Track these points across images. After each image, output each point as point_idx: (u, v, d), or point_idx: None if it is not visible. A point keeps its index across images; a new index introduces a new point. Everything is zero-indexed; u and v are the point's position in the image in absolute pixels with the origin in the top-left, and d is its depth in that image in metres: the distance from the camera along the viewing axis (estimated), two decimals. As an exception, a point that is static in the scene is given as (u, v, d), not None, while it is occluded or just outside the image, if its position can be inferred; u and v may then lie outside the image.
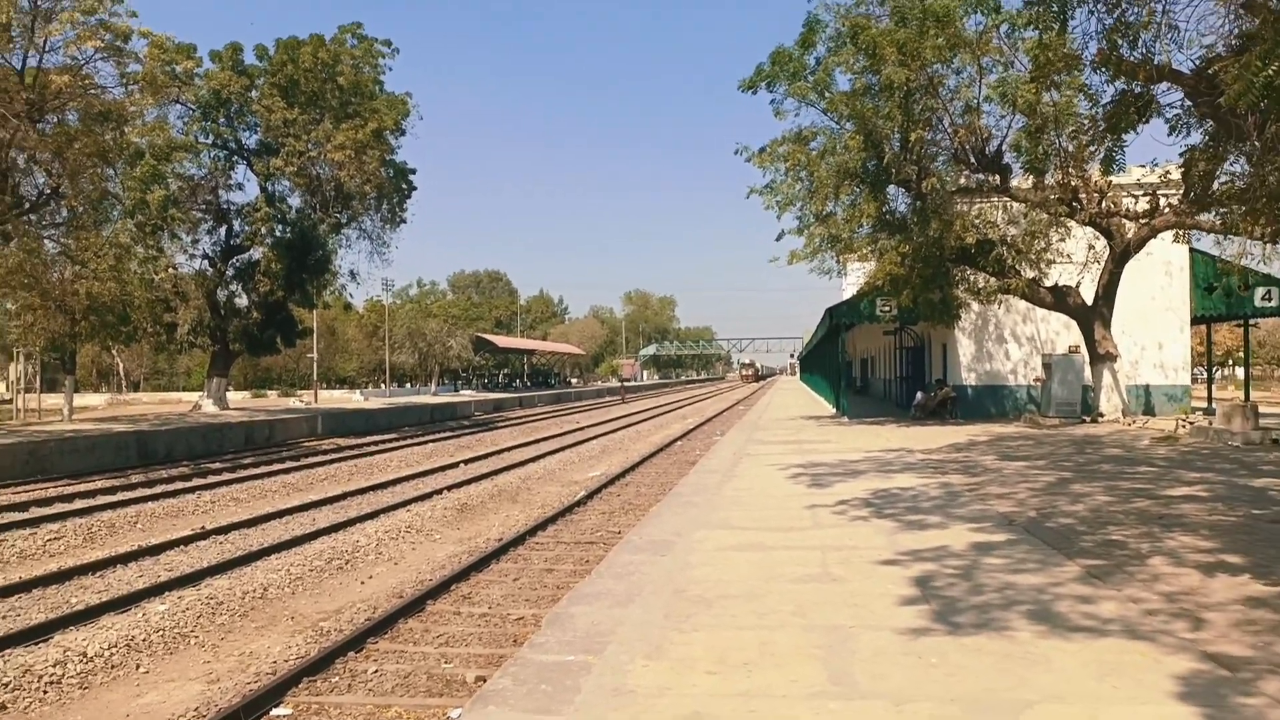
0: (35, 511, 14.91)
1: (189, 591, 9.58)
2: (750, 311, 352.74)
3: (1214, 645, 4.76)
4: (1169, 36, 10.48)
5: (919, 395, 26.29)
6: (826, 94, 20.99)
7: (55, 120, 22.71)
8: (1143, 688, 4.18)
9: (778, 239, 22.74)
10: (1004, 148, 20.16)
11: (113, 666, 7.47)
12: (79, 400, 41.80)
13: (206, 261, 35.12)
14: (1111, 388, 21.38)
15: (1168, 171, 17.88)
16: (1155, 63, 10.86)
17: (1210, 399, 29.00)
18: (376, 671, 7.05)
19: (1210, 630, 5.02)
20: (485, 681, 5.13)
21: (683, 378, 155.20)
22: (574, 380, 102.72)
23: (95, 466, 21.23)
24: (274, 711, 6.30)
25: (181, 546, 12.17)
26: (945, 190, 20.20)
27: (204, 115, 33.40)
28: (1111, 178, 18.56)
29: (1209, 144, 11.87)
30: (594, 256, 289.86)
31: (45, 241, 24.58)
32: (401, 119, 35.78)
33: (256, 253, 34.87)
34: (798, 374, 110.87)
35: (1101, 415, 21.19)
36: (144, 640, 8.01)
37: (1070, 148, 18.47)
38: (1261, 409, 18.18)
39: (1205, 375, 40.22)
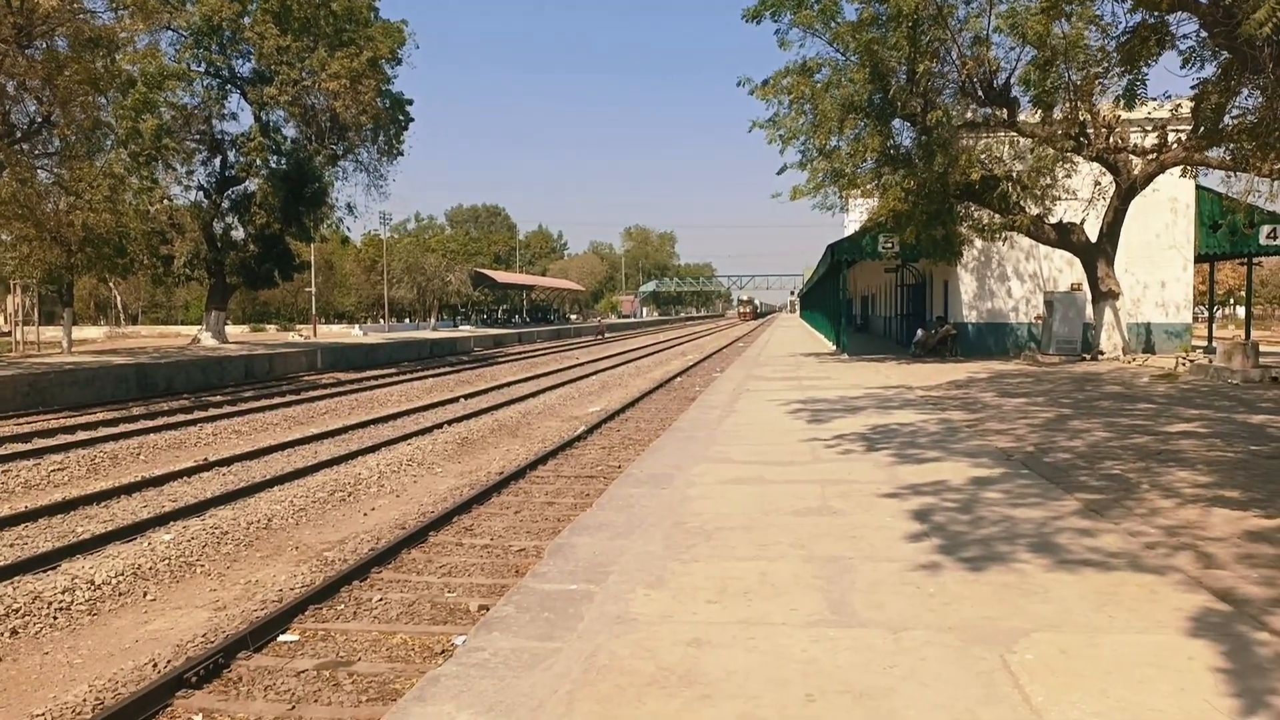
0: (38, 443, 14.98)
1: (194, 521, 9.68)
2: (751, 248, 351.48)
3: (1212, 577, 4.80)
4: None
5: (919, 332, 26.25)
6: (833, 23, 20.45)
7: (44, 46, 22.20)
8: (1139, 617, 4.23)
9: (780, 173, 22.35)
10: (1012, 81, 19.75)
11: (120, 594, 7.58)
12: (77, 333, 41.72)
13: (202, 193, 34.80)
14: (1113, 325, 21.34)
15: (1178, 105, 17.57)
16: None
17: (1211, 337, 29.01)
18: (381, 600, 7.15)
19: (1209, 563, 5.06)
20: (488, 610, 5.18)
21: (682, 314, 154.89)
22: (573, 316, 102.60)
23: (96, 398, 21.32)
24: (281, 637, 6.41)
25: (185, 477, 12.27)
26: (951, 124, 19.81)
27: (196, 42, 32.69)
28: (1120, 112, 18.25)
29: (1222, 77, 11.66)
30: (594, 192, 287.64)
31: (39, 171, 24.25)
32: (397, 48, 35.10)
33: (252, 184, 34.49)
34: (798, 311, 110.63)
35: (1102, 353, 21.19)
36: (150, 569, 8.12)
37: (1078, 80, 18.12)
38: (1262, 348, 18.19)
39: (1206, 314, 40.17)
